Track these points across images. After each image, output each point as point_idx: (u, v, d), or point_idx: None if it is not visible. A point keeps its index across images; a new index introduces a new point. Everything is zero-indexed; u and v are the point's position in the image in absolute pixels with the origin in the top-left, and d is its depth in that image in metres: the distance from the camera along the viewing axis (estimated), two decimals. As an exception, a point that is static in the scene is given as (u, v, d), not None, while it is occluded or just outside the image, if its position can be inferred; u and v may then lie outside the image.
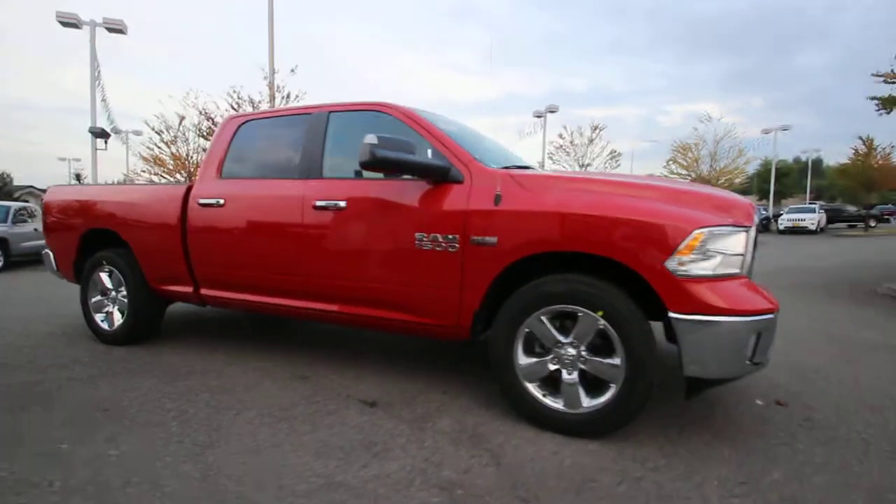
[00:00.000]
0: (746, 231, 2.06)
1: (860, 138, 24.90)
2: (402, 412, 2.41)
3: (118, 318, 3.62)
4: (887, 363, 3.25)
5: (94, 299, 3.71)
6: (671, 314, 1.96)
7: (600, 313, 2.05)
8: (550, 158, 20.93)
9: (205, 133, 11.11)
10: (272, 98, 11.25)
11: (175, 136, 13.73)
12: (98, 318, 3.70)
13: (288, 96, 11.27)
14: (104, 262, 3.61)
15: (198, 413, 2.38)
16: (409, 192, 2.50)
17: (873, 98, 6.79)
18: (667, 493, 1.74)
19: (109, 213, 3.55)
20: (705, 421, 2.33)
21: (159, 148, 13.53)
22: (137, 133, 21.77)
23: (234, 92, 11.08)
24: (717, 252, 1.97)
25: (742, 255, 2.04)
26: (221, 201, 3.04)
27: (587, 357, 2.13)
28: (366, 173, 2.56)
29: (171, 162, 13.85)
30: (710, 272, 1.97)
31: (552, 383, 2.23)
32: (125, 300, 3.55)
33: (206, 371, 3.00)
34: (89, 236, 3.72)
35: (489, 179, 2.35)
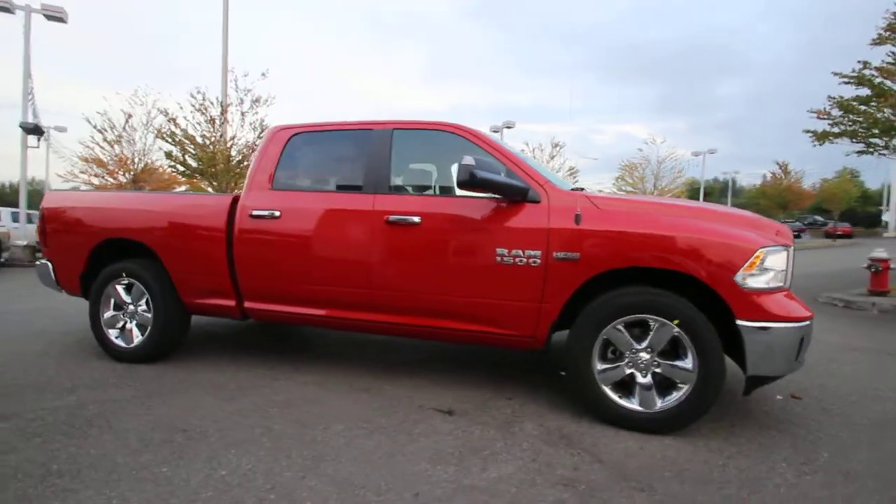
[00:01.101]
0: (788, 250, 2.43)
1: (777, 163, 28.49)
2: (482, 419, 2.54)
3: (137, 335, 3.41)
4: (860, 361, 3.85)
5: (107, 314, 3.46)
6: (738, 321, 2.28)
7: (677, 322, 2.33)
8: None
9: (166, 136, 10.42)
10: (224, 108, 10.78)
11: (119, 136, 12.75)
12: (111, 334, 3.45)
13: (258, 100, 10.89)
14: (123, 275, 3.39)
15: (285, 429, 2.36)
16: (485, 209, 2.65)
17: (808, 131, 7.89)
18: (753, 477, 2.03)
19: (135, 221, 3.35)
20: (748, 415, 2.67)
21: (101, 147, 12.47)
22: (60, 129, 19.84)
23: (199, 93, 10.52)
24: (770, 268, 2.33)
25: (785, 270, 2.41)
26: (277, 213, 3.01)
27: (660, 361, 2.40)
28: (425, 189, 2.68)
29: (113, 163, 12.83)
30: (765, 286, 2.31)
31: (624, 386, 2.47)
32: (147, 315, 3.35)
33: (257, 387, 2.93)
34: (103, 247, 3.47)
35: (565, 199, 2.57)
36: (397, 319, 2.82)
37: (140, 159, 13.05)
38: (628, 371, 2.44)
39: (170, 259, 3.26)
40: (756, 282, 2.30)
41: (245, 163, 11.25)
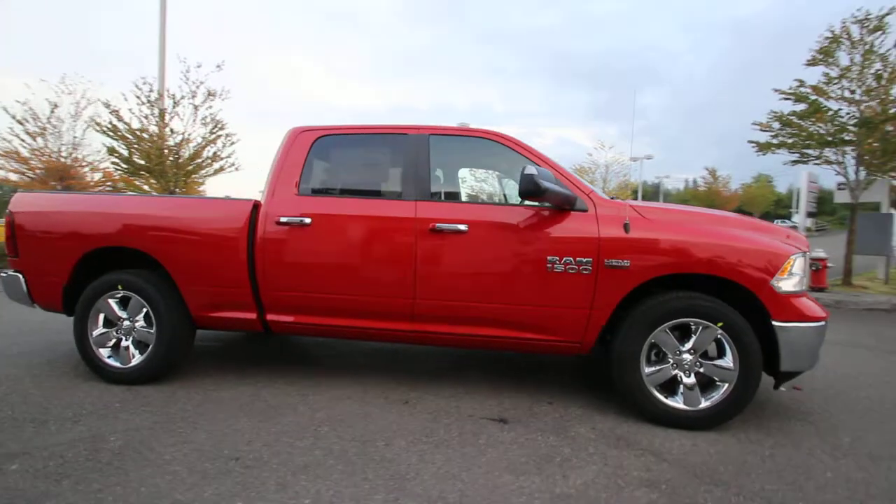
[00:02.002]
0: (806, 255, 2.69)
1: (706, 169, 31.30)
2: (536, 425, 2.56)
3: (135, 353, 3.08)
4: (836, 353, 4.28)
5: (96, 332, 3.10)
6: (774, 322, 2.48)
7: (720, 324, 2.49)
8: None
9: (107, 130, 9.40)
10: (160, 95, 9.98)
11: (43, 128, 11.43)
12: (103, 353, 3.10)
13: (213, 94, 10.14)
14: (119, 287, 3.05)
15: (345, 448, 2.24)
16: (533, 218, 2.68)
17: (752, 142, 8.71)
18: (798, 463, 2.22)
19: (136, 228, 3.02)
20: (765, 408, 2.91)
21: (21, 140, 11.10)
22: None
23: (145, 83, 9.61)
24: (797, 273, 2.56)
25: (804, 274, 2.66)
26: (307, 220, 2.84)
27: (703, 361, 2.55)
28: (460, 196, 2.67)
29: (35, 159, 11.47)
30: (793, 289, 2.54)
31: (668, 386, 2.61)
32: (147, 331, 3.05)
33: (289, 404, 2.76)
34: (91, 257, 3.11)
35: (612, 209, 2.66)
36: (442, 329, 2.78)
37: (69, 153, 11.75)
38: (673, 372, 2.58)
39: (179, 269, 2.98)
40: (787, 285, 2.51)
41: (199, 160, 10.50)
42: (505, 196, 3.25)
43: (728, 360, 2.52)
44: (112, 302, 3.09)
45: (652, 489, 1.98)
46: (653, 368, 2.59)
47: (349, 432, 2.42)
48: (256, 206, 2.97)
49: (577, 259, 2.60)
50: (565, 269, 2.61)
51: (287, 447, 2.25)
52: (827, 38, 7.73)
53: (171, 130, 10.07)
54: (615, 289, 2.58)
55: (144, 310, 3.06)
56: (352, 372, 3.38)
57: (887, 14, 7.23)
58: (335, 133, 3.06)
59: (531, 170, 2.38)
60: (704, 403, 2.54)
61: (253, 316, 2.98)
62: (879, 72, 7.28)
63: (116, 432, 2.37)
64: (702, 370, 2.56)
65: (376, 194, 2.96)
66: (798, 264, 2.56)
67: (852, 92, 7.57)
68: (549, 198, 2.50)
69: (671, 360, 2.58)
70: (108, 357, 3.10)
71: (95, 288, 3.08)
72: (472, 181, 3.23)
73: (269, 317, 2.97)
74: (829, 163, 8.15)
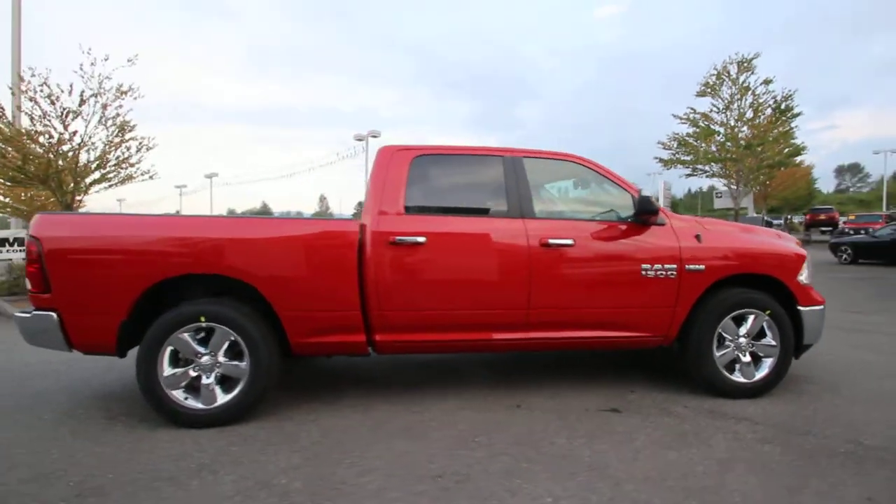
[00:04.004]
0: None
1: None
2: (644, 411, 2.97)
3: (219, 392, 2.79)
4: None
5: (167, 372, 2.74)
6: (800, 307, 3.24)
7: (768, 312, 3.17)
8: None
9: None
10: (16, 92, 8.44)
11: None
12: (176, 395, 2.74)
13: (125, 91, 8.76)
14: (201, 319, 2.74)
15: (521, 452, 2.39)
16: (624, 231, 3.11)
17: (658, 158, 10.44)
18: (833, 410, 2.95)
19: (230, 252, 2.74)
20: (790, 389, 3.57)
21: None
22: None
23: (36, 75, 7.91)
24: (808, 269, 3.37)
25: (811, 270, 3.48)
26: (421, 238, 2.89)
27: (754, 343, 3.22)
28: (553, 211, 3.07)
29: None
30: (807, 281, 3.34)
31: (730, 366, 3.21)
32: (236, 365, 2.79)
33: (418, 423, 2.77)
34: (156, 288, 2.74)
35: (682, 222, 3.21)
36: (553, 334, 3.04)
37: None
38: (735, 353, 3.20)
39: (280, 295, 2.79)
40: (804, 279, 3.30)
41: (104, 170, 8.99)
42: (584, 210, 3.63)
43: (771, 340, 3.22)
44: (188, 336, 2.76)
45: (769, 444, 2.51)
46: (721, 352, 3.18)
47: (502, 438, 2.56)
48: (363, 225, 2.92)
49: (665, 266, 3.09)
50: (656, 275, 3.08)
51: (467, 459, 2.33)
52: (712, 74, 9.69)
53: (69, 132, 8.52)
54: (693, 288, 3.12)
55: (227, 342, 2.79)
56: (439, 386, 3.43)
57: (754, 57, 9.36)
58: (431, 153, 3.15)
59: (647, 193, 2.80)
60: (758, 376, 3.20)
61: (361, 338, 2.92)
62: (752, 104, 9.37)
63: (279, 473, 2.20)
64: (753, 349, 3.22)
65: (482, 212, 3.11)
66: (808, 262, 3.37)
67: (736, 120, 9.60)
68: (655, 214, 2.95)
69: (732, 344, 3.20)
70: (186, 398, 2.76)
71: (169, 322, 2.72)
72: (560, 198, 3.55)
73: (379, 337, 2.93)
74: (716, 176, 10.15)
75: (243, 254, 2.77)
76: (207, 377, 2.79)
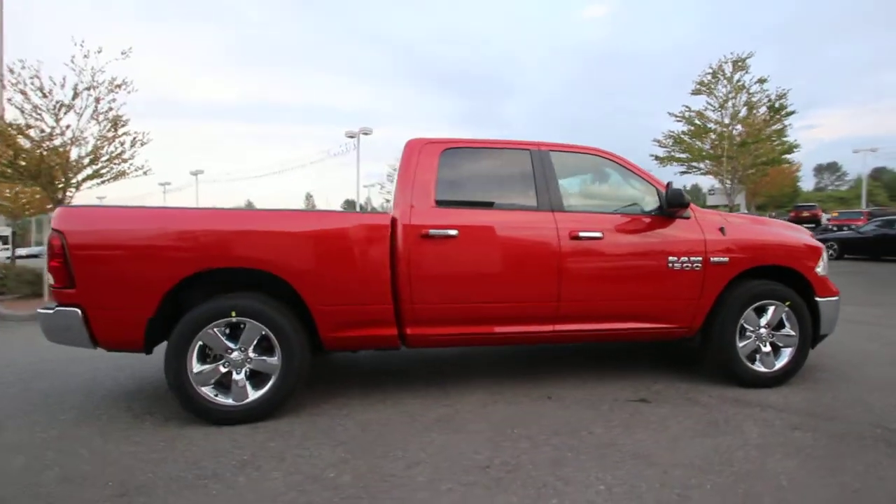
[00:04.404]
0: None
1: None
2: (671, 401, 3.01)
3: (249, 388, 2.75)
4: None
5: (198, 369, 2.68)
6: (817, 298, 3.32)
7: (788, 303, 3.24)
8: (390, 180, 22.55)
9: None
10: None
11: None
12: (206, 391, 2.70)
13: (119, 85, 8.53)
14: (232, 314, 2.69)
15: (562, 442, 2.41)
16: (651, 224, 3.15)
17: (653, 156, 10.59)
18: (852, 395, 3.03)
19: (263, 246, 2.70)
20: (806, 378, 3.64)
21: None
22: None
23: (27, 67, 7.65)
24: (825, 260, 3.45)
25: (827, 261, 3.57)
26: (453, 231, 2.89)
27: (774, 333, 3.28)
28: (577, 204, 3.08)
29: None
30: (823, 272, 3.42)
31: (750, 356, 3.27)
32: (268, 360, 2.75)
33: (454, 416, 2.78)
34: (184, 282, 2.68)
35: (707, 216, 3.26)
36: (581, 327, 3.07)
37: None
38: (756, 344, 3.26)
39: (312, 289, 2.75)
40: (821, 270, 3.38)
41: (97, 165, 8.76)
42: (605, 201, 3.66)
43: (790, 330, 3.29)
44: (217, 332, 2.71)
45: (799, 430, 2.57)
46: (743, 343, 3.24)
47: (540, 429, 2.58)
48: (394, 218, 2.90)
49: (691, 258, 3.13)
50: (682, 267, 3.12)
51: (511, 450, 2.33)
52: (707, 73, 9.86)
53: (60, 127, 8.29)
54: (718, 280, 3.17)
55: (257, 337, 2.75)
56: (464, 379, 3.43)
57: (748, 56, 9.55)
58: (460, 146, 3.13)
59: (678, 187, 2.84)
60: (778, 365, 3.27)
61: (393, 331, 2.90)
62: (747, 102, 9.56)
63: (326, 467, 2.18)
64: (773, 340, 3.29)
65: (512, 206, 3.11)
66: (825, 254, 3.45)
67: (731, 118, 9.79)
68: (685, 207, 2.99)
69: (753, 335, 3.26)
70: (216, 395, 2.71)
71: (199, 316, 2.66)
72: (584, 191, 3.57)
73: (410, 330, 2.92)
74: (710, 173, 10.32)
75: (276, 247, 2.73)
76: (238, 373, 2.74)
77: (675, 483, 2.03)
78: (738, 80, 9.76)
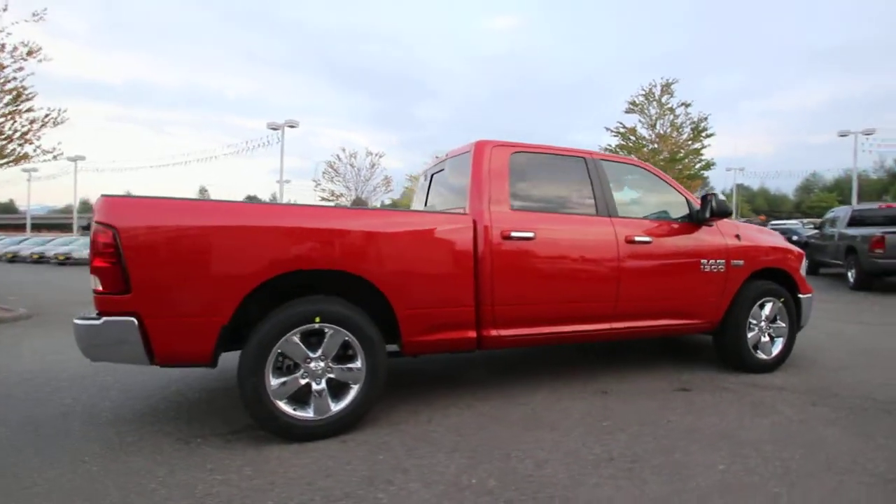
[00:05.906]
0: (792, 253, 4.29)
1: None
2: (704, 389, 3.36)
3: (330, 400, 2.56)
4: None
5: (275, 382, 2.45)
6: (800, 295, 3.93)
7: (782, 300, 3.80)
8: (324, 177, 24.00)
9: None
10: None
11: None
12: (285, 406, 2.47)
13: (32, 51, 7.14)
14: (316, 320, 2.49)
15: (664, 434, 2.60)
16: (685, 230, 3.50)
17: (607, 147, 11.53)
18: (855, 377, 3.66)
19: (350, 247, 2.52)
20: (793, 363, 4.34)
21: None
22: None
23: None
24: (804, 263, 4.10)
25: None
26: (531, 234, 2.96)
27: (771, 325, 3.83)
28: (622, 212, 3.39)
29: None
30: (804, 273, 4.07)
31: (754, 346, 3.78)
32: (347, 369, 2.59)
33: (536, 414, 2.84)
34: (263, 285, 2.43)
35: (725, 224, 3.70)
36: (634, 324, 3.31)
37: None
38: (758, 335, 3.77)
39: (399, 293, 2.64)
40: (803, 271, 4.02)
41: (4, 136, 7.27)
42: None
43: (781, 323, 3.86)
44: (297, 339, 2.49)
45: (818, 406, 3.04)
46: (749, 334, 3.73)
47: (624, 421, 2.74)
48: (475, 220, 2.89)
49: (717, 261, 3.54)
50: (710, 269, 3.52)
51: (617, 442, 2.47)
52: (641, 94, 11.03)
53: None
54: (736, 280, 3.62)
55: (339, 345, 2.57)
56: (516, 379, 3.50)
57: (674, 82, 10.87)
58: (526, 150, 3.21)
59: (722, 196, 3.20)
60: (774, 353, 3.82)
61: (472, 334, 2.88)
62: (673, 122, 10.85)
63: (460, 473, 2.12)
64: (770, 331, 3.84)
65: (578, 210, 3.26)
66: (803, 258, 4.10)
67: (659, 136, 11.03)
68: (720, 216, 3.37)
69: (756, 328, 3.77)
70: (296, 410, 2.48)
71: (280, 324, 2.43)
72: (629, 198, 3.82)
73: (488, 332, 2.93)
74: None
75: (365, 249, 2.58)
76: (318, 384, 2.54)
77: (773, 457, 2.31)
78: (667, 103, 11.15)
